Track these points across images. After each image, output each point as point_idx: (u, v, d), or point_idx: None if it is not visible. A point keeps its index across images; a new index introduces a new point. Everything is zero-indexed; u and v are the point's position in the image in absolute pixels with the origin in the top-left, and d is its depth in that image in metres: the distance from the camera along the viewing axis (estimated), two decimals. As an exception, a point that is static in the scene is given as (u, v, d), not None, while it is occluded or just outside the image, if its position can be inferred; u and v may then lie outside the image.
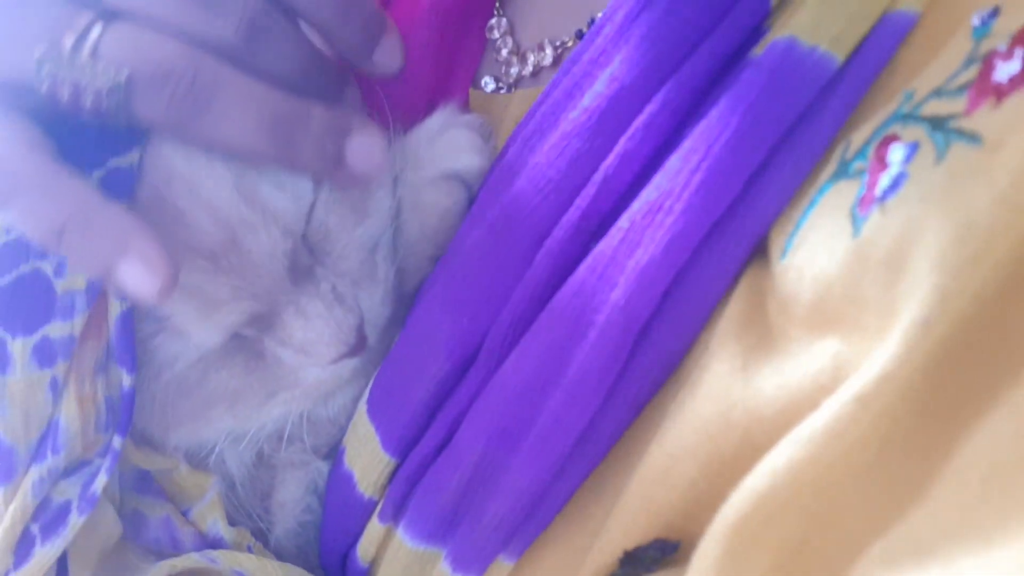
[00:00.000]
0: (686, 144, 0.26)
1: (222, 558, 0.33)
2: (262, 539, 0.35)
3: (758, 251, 0.26)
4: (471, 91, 0.38)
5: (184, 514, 0.34)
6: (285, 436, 0.35)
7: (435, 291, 0.32)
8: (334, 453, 0.35)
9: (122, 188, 0.28)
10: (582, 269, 0.27)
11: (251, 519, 0.35)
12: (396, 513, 0.32)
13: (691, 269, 0.26)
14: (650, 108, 0.27)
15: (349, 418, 0.35)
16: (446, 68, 0.38)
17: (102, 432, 0.30)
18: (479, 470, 0.29)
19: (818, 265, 0.22)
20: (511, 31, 0.38)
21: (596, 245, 0.27)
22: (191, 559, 0.32)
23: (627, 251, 0.26)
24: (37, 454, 0.30)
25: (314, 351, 0.31)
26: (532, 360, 0.27)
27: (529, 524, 0.29)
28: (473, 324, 0.30)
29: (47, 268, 0.28)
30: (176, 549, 0.33)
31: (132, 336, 0.30)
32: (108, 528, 0.32)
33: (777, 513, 0.21)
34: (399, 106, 0.36)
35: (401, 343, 0.33)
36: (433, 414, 0.31)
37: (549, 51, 0.36)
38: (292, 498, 0.35)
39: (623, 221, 0.26)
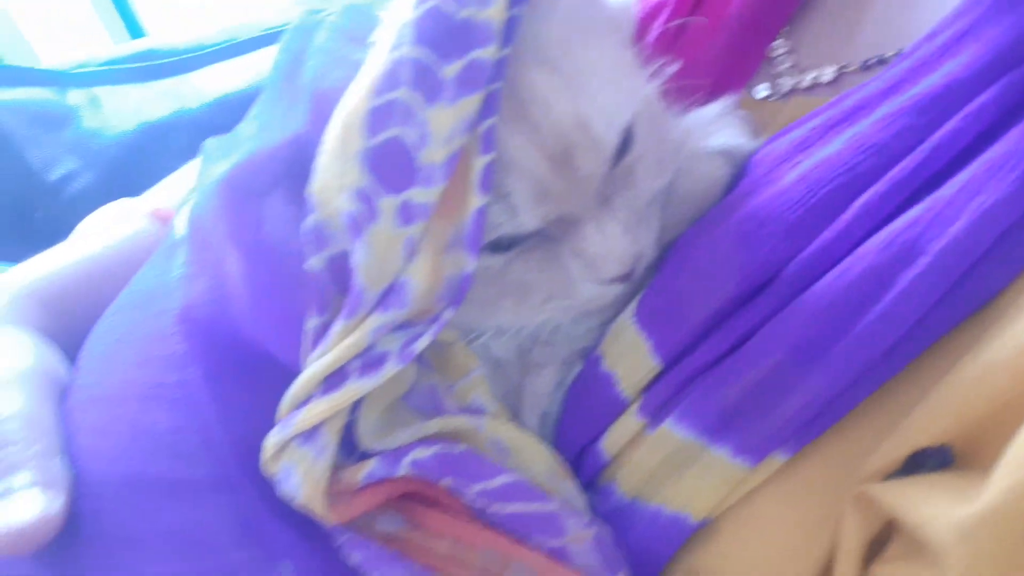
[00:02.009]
0: None
1: (488, 424, 0.36)
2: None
3: None
4: (743, 95, 0.44)
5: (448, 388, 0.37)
6: (540, 339, 0.39)
7: (726, 227, 0.36)
8: (581, 359, 0.39)
9: (478, 77, 0.32)
10: (917, 209, 0.31)
11: (503, 403, 0.38)
12: (658, 410, 0.35)
13: None
14: (981, 98, 0.32)
15: (592, 342, 0.39)
16: (730, 69, 0.44)
17: (438, 303, 0.33)
18: (771, 376, 0.33)
19: None
20: (792, 52, 0.44)
21: (916, 204, 0.32)
22: (461, 420, 0.35)
23: (967, 196, 0.30)
24: (381, 304, 0.33)
25: (600, 265, 0.36)
26: (849, 281, 0.32)
27: (813, 426, 0.32)
28: (771, 256, 0.34)
29: (409, 137, 0.32)
30: (439, 414, 0.36)
31: (483, 227, 0.33)
32: (401, 383, 0.35)
33: None
34: (684, 90, 0.42)
35: (678, 268, 0.37)
36: (709, 329, 0.35)
37: (831, 70, 0.42)
38: (544, 390, 0.39)
39: (962, 175, 0.31)
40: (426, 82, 0.32)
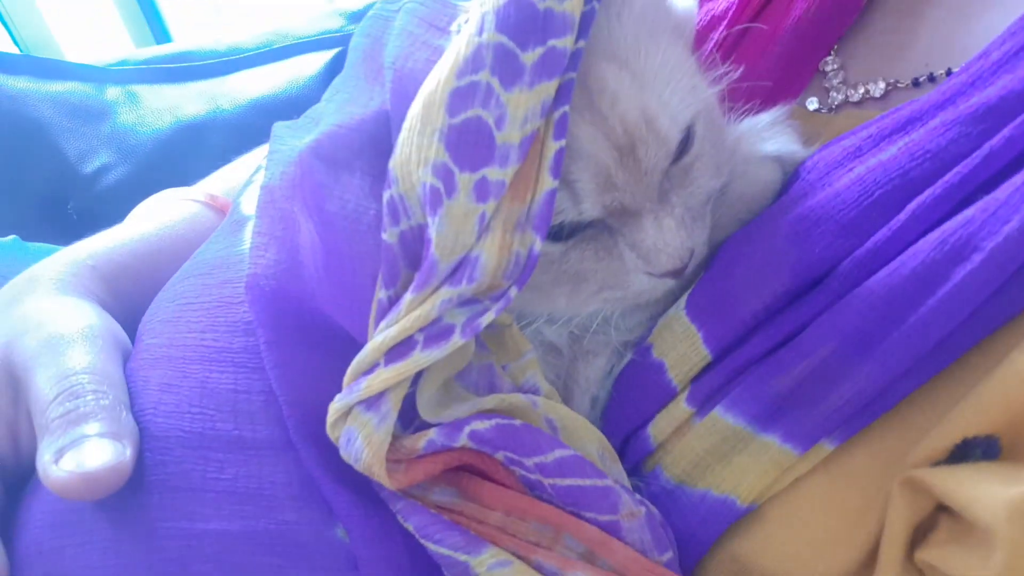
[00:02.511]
0: None
1: (543, 403, 0.37)
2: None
3: None
4: (794, 106, 0.46)
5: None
6: (591, 329, 0.40)
7: (779, 226, 0.37)
8: (631, 350, 0.40)
9: (555, 65, 0.33)
10: (972, 209, 0.33)
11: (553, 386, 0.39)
12: (706, 399, 0.37)
13: None
14: None
15: (641, 335, 0.40)
16: (783, 81, 0.45)
17: (505, 279, 0.34)
18: (823, 365, 0.34)
19: None
20: (843, 68, 0.46)
21: (970, 206, 0.33)
22: (517, 397, 0.36)
23: (1022, 197, 0.32)
24: (452, 277, 0.34)
25: (655, 258, 0.37)
26: (904, 275, 0.33)
27: (861, 416, 0.33)
28: (825, 253, 0.36)
29: (488, 117, 0.33)
30: (494, 392, 0.37)
31: (552, 209, 0.34)
32: (460, 360, 0.36)
33: None
34: (738, 98, 0.44)
35: (731, 264, 0.38)
36: (760, 323, 0.36)
37: (881, 84, 0.43)
38: (595, 376, 0.40)
39: (1016, 178, 0.32)
40: (507, 66, 0.33)
